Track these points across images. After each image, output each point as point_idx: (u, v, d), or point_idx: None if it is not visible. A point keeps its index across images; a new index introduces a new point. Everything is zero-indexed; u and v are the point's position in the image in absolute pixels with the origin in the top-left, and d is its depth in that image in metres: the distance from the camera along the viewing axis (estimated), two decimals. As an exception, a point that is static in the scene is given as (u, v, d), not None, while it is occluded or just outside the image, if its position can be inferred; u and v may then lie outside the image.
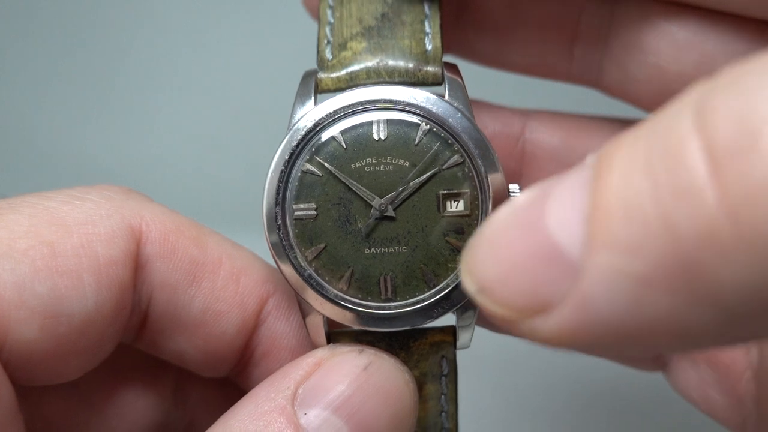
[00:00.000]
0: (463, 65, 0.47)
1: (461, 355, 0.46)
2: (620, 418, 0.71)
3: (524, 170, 0.51)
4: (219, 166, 0.94)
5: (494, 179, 0.43)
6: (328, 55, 0.46)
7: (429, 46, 0.46)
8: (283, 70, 0.90)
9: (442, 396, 0.46)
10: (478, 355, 0.47)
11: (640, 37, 0.47)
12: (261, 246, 0.47)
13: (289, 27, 0.88)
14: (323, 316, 0.44)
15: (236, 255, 0.45)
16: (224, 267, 0.44)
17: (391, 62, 0.45)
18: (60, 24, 0.94)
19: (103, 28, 0.94)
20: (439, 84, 0.45)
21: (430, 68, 0.45)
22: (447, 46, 0.48)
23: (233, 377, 0.47)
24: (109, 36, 0.94)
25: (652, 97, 0.48)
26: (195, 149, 0.94)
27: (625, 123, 0.52)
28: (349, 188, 0.43)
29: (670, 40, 0.46)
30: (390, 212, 0.43)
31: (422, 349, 0.45)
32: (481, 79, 0.52)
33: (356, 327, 0.44)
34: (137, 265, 0.41)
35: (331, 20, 0.46)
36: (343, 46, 0.46)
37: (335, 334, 0.45)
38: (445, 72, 0.45)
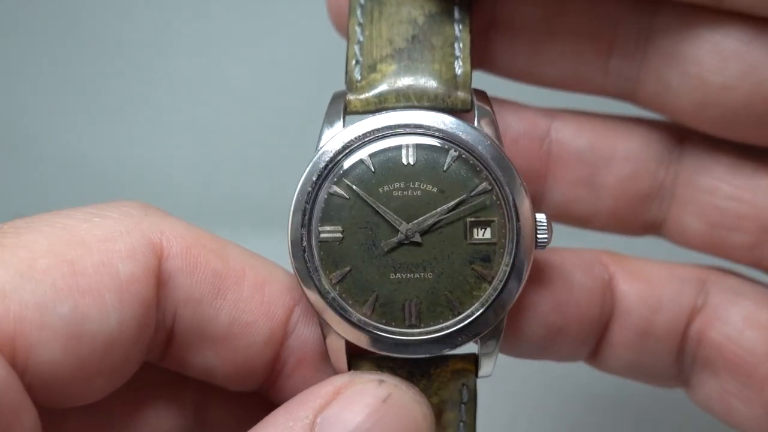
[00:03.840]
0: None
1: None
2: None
3: (550, 172, 0.51)
4: (223, 166, 0.93)
5: (522, 207, 0.43)
6: (357, 76, 0.46)
7: (459, 71, 0.45)
8: (288, 69, 0.90)
9: (461, 423, 0.45)
10: (493, 379, 0.47)
11: (681, 48, 0.47)
12: (267, 245, 0.46)
13: (295, 24, 0.88)
14: (345, 340, 0.43)
15: (258, 265, 0.44)
16: (248, 277, 0.43)
17: (420, 86, 0.45)
18: (64, 21, 0.93)
19: (107, 26, 0.93)
20: (468, 111, 0.45)
21: (459, 94, 0.45)
22: (476, 62, 0.48)
23: (264, 391, 0.46)
24: (113, 34, 0.93)
25: (693, 110, 0.48)
26: (199, 149, 0.93)
27: (654, 125, 0.52)
28: (377, 212, 0.43)
29: (714, 51, 0.46)
30: (417, 238, 0.43)
31: (443, 377, 0.45)
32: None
33: (378, 352, 0.43)
34: (160, 281, 0.41)
35: (361, 38, 0.46)
36: (372, 68, 0.46)
37: (356, 359, 0.44)
38: (475, 99, 0.45)
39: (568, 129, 0.51)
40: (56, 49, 0.93)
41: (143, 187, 0.92)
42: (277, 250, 0.46)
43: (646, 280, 0.50)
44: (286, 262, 0.44)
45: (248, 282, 0.43)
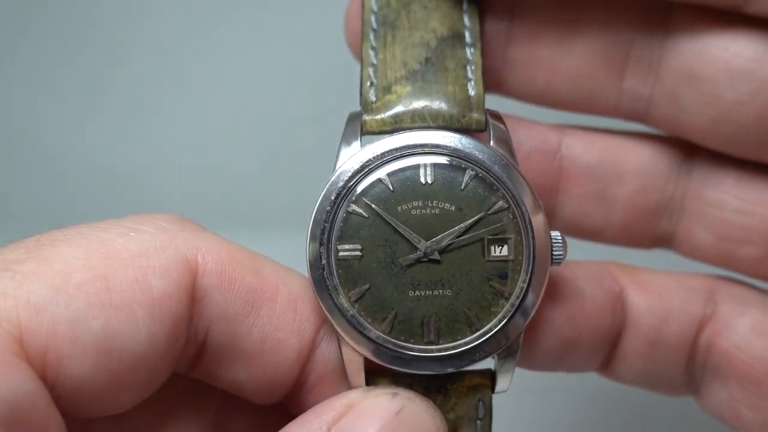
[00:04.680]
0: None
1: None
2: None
3: (562, 186, 0.52)
4: (222, 168, 0.93)
5: (537, 225, 0.44)
6: (372, 97, 0.46)
7: (472, 92, 0.46)
8: (288, 72, 0.90)
9: None
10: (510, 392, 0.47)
11: (694, 67, 0.48)
12: (265, 248, 0.47)
13: (296, 27, 0.88)
14: (363, 357, 0.44)
15: (291, 281, 0.44)
16: (281, 294, 0.43)
17: (435, 107, 0.45)
18: (68, 19, 0.93)
19: (108, 27, 0.93)
20: (482, 131, 0.46)
21: (474, 115, 0.45)
22: (491, 84, 0.49)
23: (285, 402, 0.47)
24: (114, 35, 0.93)
25: (706, 127, 0.49)
26: (198, 151, 0.93)
27: (662, 140, 0.52)
28: (396, 230, 0.43)
29: (726, 69, 0.47)
30: (436, 255, 0.43)
31: (460, 393, 0.45)
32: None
33: (397, 369, 0.44)
34: (194, 298, 0.41)
35: (374, 61, 0.47)
36: (387, 90, 0.46)
37: (374, 375, 0.45)
38: (489, 119, 0.46)
39: (578, 144, 0.52)
40: (57, 49, 0.93)
41: (143, 188, 0.92)
42: (274, 251, 0.46)
43: (655, 291, 0.51)
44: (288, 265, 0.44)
45: (281, 299, 0.43)
